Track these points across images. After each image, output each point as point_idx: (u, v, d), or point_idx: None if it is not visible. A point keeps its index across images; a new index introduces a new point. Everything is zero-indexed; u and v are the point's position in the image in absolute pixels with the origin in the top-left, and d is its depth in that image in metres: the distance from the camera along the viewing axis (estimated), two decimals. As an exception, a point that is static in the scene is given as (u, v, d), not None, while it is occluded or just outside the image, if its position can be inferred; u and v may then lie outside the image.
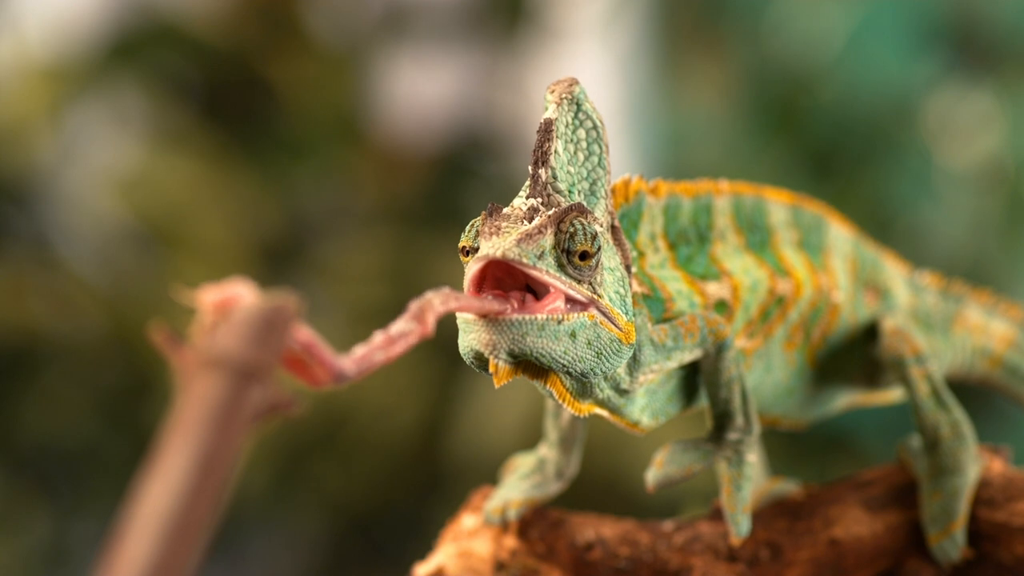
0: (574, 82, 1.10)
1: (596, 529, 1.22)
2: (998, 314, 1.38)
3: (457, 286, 1.06)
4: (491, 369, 1.04)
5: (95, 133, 2.93)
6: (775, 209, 1.25)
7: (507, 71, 3.11)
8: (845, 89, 2.93)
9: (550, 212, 1.04)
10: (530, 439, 1.39)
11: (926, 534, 1.20)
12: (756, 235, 1.24)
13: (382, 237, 2.91)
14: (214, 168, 2.86)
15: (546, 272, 1.02)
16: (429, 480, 2.67)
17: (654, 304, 1.14)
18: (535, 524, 1.22)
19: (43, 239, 2.89)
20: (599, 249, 1.04)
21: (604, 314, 1.05)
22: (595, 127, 1.10)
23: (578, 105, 1.09)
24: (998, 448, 1.24)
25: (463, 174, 3.02)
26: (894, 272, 1.32)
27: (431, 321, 0.94)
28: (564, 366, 1.04)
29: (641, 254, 1.17)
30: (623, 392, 1.12)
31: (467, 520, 1.25)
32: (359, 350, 0.92)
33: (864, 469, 1.25)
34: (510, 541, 1.22)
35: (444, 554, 1.24)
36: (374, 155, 2.98)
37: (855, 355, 1.27)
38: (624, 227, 1.16)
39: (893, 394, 1.32)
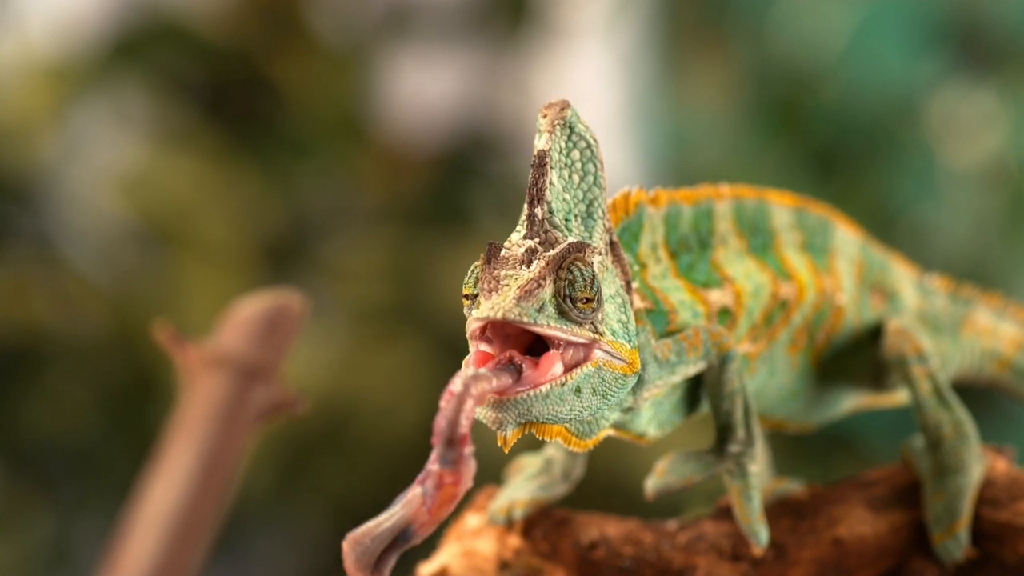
0: (566, 105, 1.09)
1: (600, 528, 1.22)
2: (1007, 317, 1.37)
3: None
4: (499, 442, 1.05)
5: (98, 132, 2.93)
6: (778, 212, 1.25)
7: (510, 70, 3.11)
8: (848, 88, 2.94)
9: (548, 255, 1.04)
10: (534, 439, 1.39)
11: (930, 534, 1.20)
12: (758, 238, 1.23)
13: (385, 236, 2.91)
14: (217, 167, 2.86)
15: (547, 326, 1.02)
16: (432, 479, 2.66)
17: (657, 318, 1.14)
18: (539, 523, 1.22)
19: (46, 238, 2.89)
20: (599, 289, 1.04)
21: (607, 352, 1.05)
22: (589, 146, 1.09)
23: (571, 128, 1.08)
24: (1002, 448, 1.24)
25: (466, 173, 3.02)
26: (902, 275, 1.32)
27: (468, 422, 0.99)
28: (571, 420, 1.05)
29: (643, 266, 1.16)
30: (628, 410, 1.12)
31: (471, 519, 1.25)
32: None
33: (868, 469, 1.25)
34: (514, 540, 1.22)
35: (448, 553, 1.24)
36: (377, 154, 2.98)
37: (860, 357, 1.27)
38: (625, 240, 1.15)
39: (900, 396, 1.32)
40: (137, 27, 2.91)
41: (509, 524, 1.23)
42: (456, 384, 1.00)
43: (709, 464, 1.17)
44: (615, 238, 1.10)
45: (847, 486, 1.23)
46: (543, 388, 1.02)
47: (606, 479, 2.35)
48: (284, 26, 2.94)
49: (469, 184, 3.01)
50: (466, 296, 1.06)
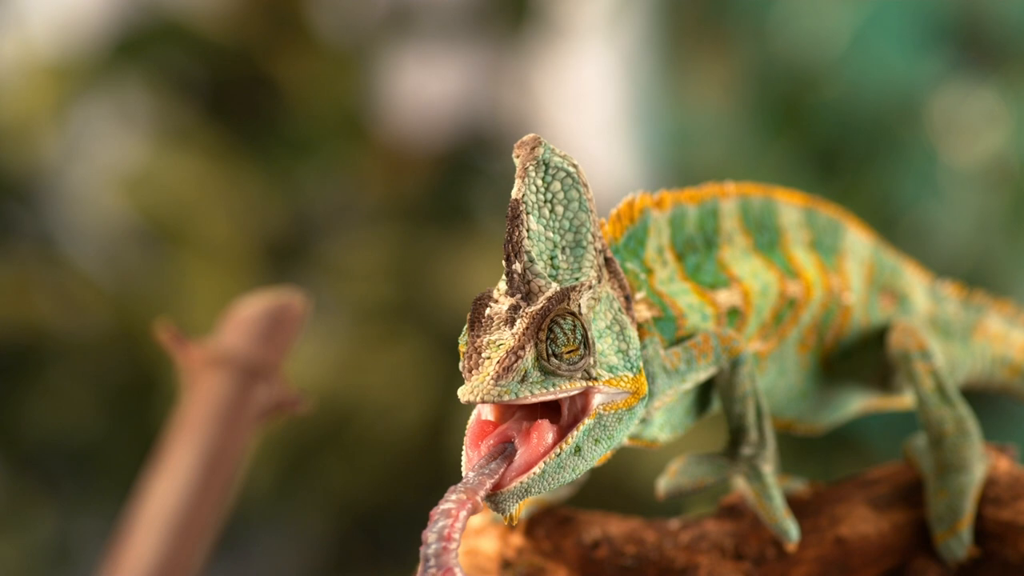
0: (536, 143, 1.06)
1: (602, 527, 1.22)
2: (1019, 324, 1.37)
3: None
4: (504, 522, 1.04)
5: (100, 131, 2.94)
6: (786, 210, 1.24)
7: (512, 69, 3.11)
8: (850, 87, 2.94)
9: (530, 311, 1.02)
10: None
11: (932, 532, 1.20)
12: (764, 235, 1.23)
13: (387, 235, 2.91)
14: (219, 166, 2.86)
15: (530, 395, 1.01)
16: (434, 477, 2.67)
17: (666, 325, 1.13)
18: (541, 522, 1.22)
19: (48, 237, 2.89)
20: (584, 335, 1.02)
21: (606, 393, 1.04)
22: (569, 175, 1.06)
23: (546, 165, 1.06)
24: (1004, 447, 1.24)
25: (468, 172, 3.02)
26: (913, 280, 1.32)
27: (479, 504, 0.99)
28: (578, 475, 1.04)
29: (650, 271, 1.15)
30: (641, 421, 1.12)
31: (473, 518, 1.25)
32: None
33: (870, 468, 1.25)
34: (516, 539, 1.22)
35: (450, 552, 1.24)
36: (379, 153, 2.99)
37: (869, 358, 1.27)
38: (631, 247, 1.14)
39: (908, 399, 1.31)
40: (139, 26, 2.91)
41: (512, 523, 1.23)
42: (447, 506, 0.99)
43: (722, 467, 1.17)
44: (610, 254, 1.09)
45: (849, 485, 1.23)
46: (536, 470, 1.01)
47: (609, 479, 2.35)
48: (286, 25, 2.94)
49: (471, 183, 3.01)
50: (462, 353, 1.05)
